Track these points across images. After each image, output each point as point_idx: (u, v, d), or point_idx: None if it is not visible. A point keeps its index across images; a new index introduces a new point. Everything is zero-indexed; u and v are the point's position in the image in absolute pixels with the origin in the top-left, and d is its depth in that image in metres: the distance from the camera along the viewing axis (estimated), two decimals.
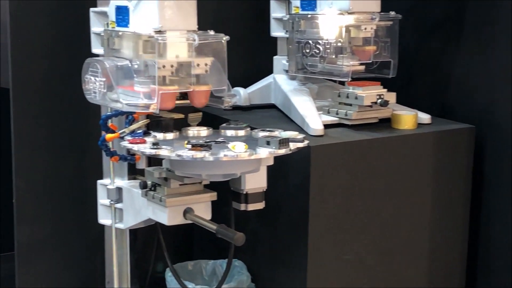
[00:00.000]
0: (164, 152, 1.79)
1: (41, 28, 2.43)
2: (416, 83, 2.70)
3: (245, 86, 2.62)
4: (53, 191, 2.51)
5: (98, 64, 1.95)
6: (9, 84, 2.43)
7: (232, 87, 2.01)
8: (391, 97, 2.33)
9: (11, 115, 2.43)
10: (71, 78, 2.35)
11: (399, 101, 2.41)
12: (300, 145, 1.91)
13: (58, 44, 2.45)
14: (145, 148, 1.83)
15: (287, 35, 2.46)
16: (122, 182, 2.18)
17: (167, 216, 1.93)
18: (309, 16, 2.37)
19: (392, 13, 2.35)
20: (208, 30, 1.95)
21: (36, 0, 2.40)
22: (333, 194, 2.18)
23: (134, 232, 2.26)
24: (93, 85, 1.97)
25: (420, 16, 2.67)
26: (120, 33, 1.99)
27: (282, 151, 1.84)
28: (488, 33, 2.44)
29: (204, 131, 2.01)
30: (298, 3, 2.41)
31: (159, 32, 1.89)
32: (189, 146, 1.79)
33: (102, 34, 2.07)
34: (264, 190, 2.02)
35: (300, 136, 1.95)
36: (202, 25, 1.99)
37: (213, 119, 2.33)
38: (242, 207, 2.01)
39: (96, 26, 2.15)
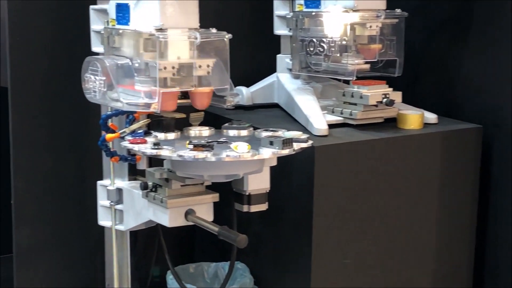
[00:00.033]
0: (165, 152, 1.79)
1: (40, 26, 2.43)
2: (422, 82, 2.70)
3: (247, 85, 2.61)
4: (52, 192, 2.52)
5: (98, 62, 1.95)
6: (7, 83, 2.43)
7: (235, 86, 2.02)
8: (397, 96, 2.32)
9: (9, 114, 2.43)
10: (70, 77, 2.35)
11: (405, 100, 2.40)
12: (304, 145, 1.90)
13: (58, 42, 2.45)
14: (146, 148, 1.82)
15: (290, 33, 2.46)
16: (123, 183, 2.18)
17: (168, 217, 1.93)
18: (313, 13, 2.37)
19: (398, 10, 2.35)
20: (210, 28, 1.95)
21: None
22: (338, 195, 2.18)
23: (134, 234, 2.26)
24: (93, 84, 1.97)
25: (426, 13, 2.67)
26: (120, 31, 1.99)
27: (286, 152, 1.83)
28: (495, 32, 2.44)
29: (206, 131, 2.01)
30: (302, 1, 2.41)
31: (160, 30, 1.89)
32: (191, 146, 1.79)
33: (102, 32, 2.07)
34: (267, 191, 2.02)
35: (304, 136, 1.95)
36: (204, 23, 1.98)
37: (215, 118, 2.33)
38: (245, 208, 2.00)
39: (96, 24, 2.15)
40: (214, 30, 1.95)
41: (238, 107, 2.50)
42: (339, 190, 2.18)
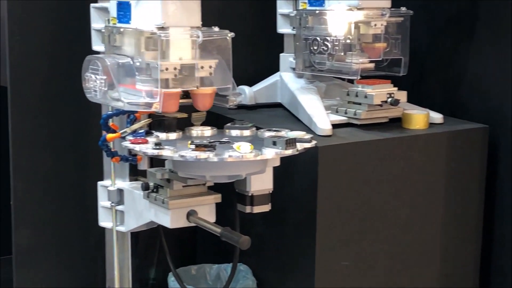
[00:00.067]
0: (166, 152, 1.79)
1: (40, 24, 2.43)
2: (428, 81, 2.70)
3: (250, 84, 2.61)
4: (52, 192, 2.52)
5: (98, 61, 1.95)
6: (7, 82, 2.43)
7: (237, 85, 2.02)
8: (402, 96, 2.32)
9: (9, 114, 2.43)
10: (71, 76, 2.35)
11: (410, 100, 2.41)
12: (308, 145, 1.90)
13: (58, 41, 2.45)
14: (147, 148, 1.82)
15: (294, 32, 2.46)
16: (124, 183, 2.18)
17: (170, 218, 1.93)
18: (317, 12, 2.36)
19: (403, 9, 2.35)
20: (213, 27, 1.95)
21: None
22: (342, 196, 2.18)
23: (135, 235, 2.26)
24: (94, 83, 1.97)
25: (432, 11, 2.67)
26: (121, 29, 1.99)
27: (289, 152, 1.83)
28: (502, 30, 2.43)
29: (208, 131, 2.01)
30: None
31: (161, 28, 1.89)
32: (193, 146, 1.79)
33: (103, 30, 2.07)
34: (270, 192, 2.02)
35: (308, 136, 1.94)
36: (206, 21, 1.98)
37: (217, 118, 2.33)
38: (248, 209, 2.00)
39: (96, 22, 2.16)
40: (216, 29, 1.95)
41: (241, 107, 2.51)
42: (343, 191, 2.17)
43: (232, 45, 1.95)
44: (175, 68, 1.88)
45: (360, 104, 2.31)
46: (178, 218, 1.93)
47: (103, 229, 2.27)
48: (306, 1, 2.41)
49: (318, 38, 2.35)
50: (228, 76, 1.95)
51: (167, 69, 1.87)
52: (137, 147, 1.84)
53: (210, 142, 1.82)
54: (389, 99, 2.28)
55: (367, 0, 2.30)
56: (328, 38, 2.32)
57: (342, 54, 2.30)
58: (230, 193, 2.02)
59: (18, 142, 2.45)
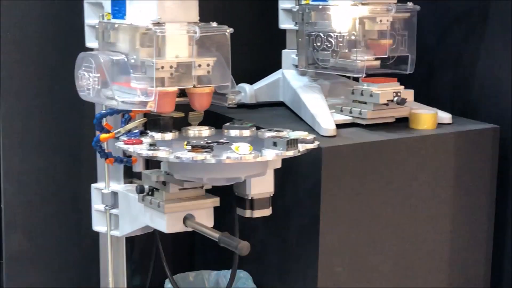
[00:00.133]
0: (162, 153, 1.78)
1: (32, 20, 2.42)
2: (436, 80, 2.70)
3: (251, 82, 2.61)
4: (44, 195, 2.51)
5: (92, 58, 1.94)
6: None
7: (237, 83, 2.03)
8: (409, 94, 2.32)
9: None
10: (63, 74, 2.36)
11: (418, 99, 2.40)
12: (310, 146, 1.90)
13: (50, 37, 2.45)
14: (141, 149, 1.82)
15: (296, 28, 2.46)
16: (118, 186, 2.18)
17: (166, 223, 1.92)
18: (320, 7, 2.36)
19: (410, 4, 2.35)
20: (211, 22, 1.95)
21: None
22: (346, 199, 2.17)
23: (131, 240, 2.26)
24: (87, 81, 1.97)
25: (440, 7, 2.66)
26: (116, 25, 1.99)
27: (290, 153, 1.82)
28: None
29: (205, 131, 2.00)
30: None
31: (157, 24, 1.89)
32: (189, 147, 1.78)
33: (97, 26, 2.06)
34: (271, 195, 2.01)
35: (310, 136, 1.94)
36: (204, 16, 1.97)
37: (215, 118, 2.32)
38: (247, 213, 1.99)
39: (90, 18, 2.16)
40: (214, 24, 1.95)
41: (241, 106, 2.50)
42: (347, 194, 2.17)
43: (232, 41, 1.94)
44: (171, 67, 1.88)
45: (365, 103, 2.30)
46: (175, 223, 1.93)
47: (97, 233, 2.27)
48: None
49: (321, 34, 2.34)
50: (227, 74, 1.94)
51: (162, 67, 1.87)
52: (131, 148, 1.84)
53: (207, 143, 1.82)
54: (396, 98, 2.27)
55: None
56: (332, 34, 2.31)
57: (347, 51, 2.30)
58: (229, 197, 2.00)
59: (8, 142, 2.44)
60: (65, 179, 2.52)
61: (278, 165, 1.96)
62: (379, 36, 2.34)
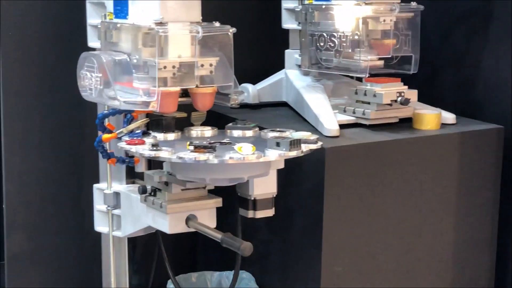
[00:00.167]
0: (164, 154, 1.78)
1: (34, 19, 2.42)
2: (440, 80, 2.69)
3: (254, 82, 2.61)
4: (45, 195, 2.51)
5: (94, 58, 1.95)
6: None
7: (240, 83, 2.02)
8: (413, 95, 2.31)
9: (1, 114, 2.43)
10: (65, 74, 2.35)
11: (421, 99, 2.40)
12: (313, 146, 1.90)
13: (52, 37, 2.45)
14: (143, 149, 1.82)
15: (299, 27, 2.45)
16: (120, 186, 2.18)
17: (168, 223, 1.92)
18: (323, 6, 2.36)
19: (414, 3, 2.34)
20: (213, 22, 1.95)
21: None
22: (350, 199, 2.16)
23: (133, 241, 2.26)
24: (89, 81, 1.97)
25: (444, 6, 2.66)
26: (118, 25, 1.99)
27: (293, 153, 1.82)
28: None
29: (208, 131, 2.00)
30: None
31: (160, 24, 1.89)
32: (192, 147, 1.78)
33: (99, 26, 2.06)
34: (274, 196, 2.01)
35: (314, 137, 1.94)
36: (207, 16, 1.97)
37: (218, 118, 2.32)
38: (250, 214, 2.00)
39: (92, 18, 2.16)
40: (217, 24, 1.95)
41: (244, 106, 2.51)
42: (350, 194, 2.16)
43: (234, 41, 1.94)
44: (173, 66, 1.88)
45: (368, 103, 2.30)
46: (177, 223, 1.93)
47: (99, 234, 2.27)
48: None
49: (324, 34, 2.34)
50: (229, 74, 1.94)
51: (165, 67, 1.87)
52: (133, 148, 1.84)
53: (210, 143, 1.82)
54: (399, 98, 2.27)
55: None
56: (335, 34, 2.31)
57: (350, 51, 2.30)
58: (232, 197, 2.00)
59: (10, 143, 2.44)
60: (67, 179, 2.52)
61: (281, 165, 1.97)
62: (382, 36, 2.33)
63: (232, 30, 1.93)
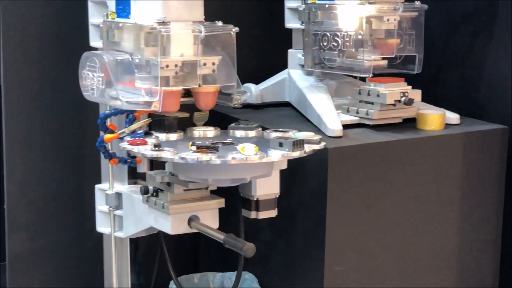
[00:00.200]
0: (166, 154, 1.78)
1: (35, 19, 2.42)
2: (444, 80, 2.69)
3: (256, 82, 2.61)
4: (47, 196, 2.51)
5: (96, 58, 1.95)
6: (0, 80, 2.42)
7: (243, 83, 2.02)
8: (416, 95, 2.31)
9: (2, 113, 2.43)
10: (67, 74, 2.36)
11: (425, 99, 2.39)
12: (317, 147, 1.89)
13: (54, 37, 2.44)
14: (146, 150, 1.82)
15: (302, 27, 2.45)
16: (122, 187, 2.18)
17: (171, 224, 1.92)
18: (326, 6, 2.36)
19: (418, 3, 2.34)
20: (216, 21, 1.95)
21: None
22: (353, 200, 2.16)
23: (135, 242, 2.26)
24: (91, 81, 1.97)
25: (448, 6, 2.66)
26: (120, 24, 1.99)
27: (297, 154, 1.82)
28: None
29: (211, 132, 2.00)
30: None
31: (162, 23, 1.89)
32: (194, 148, 1.78)
33: (101, 25, 2.06)
34: (277, 196, 2.01)
35: (317, 137, 1.94)
36: (210, 16, 1.97)
37: (221, 118, 2.33)
38: (253, 215, 1.99)
39: (94, 17, 2.16)
40: (220, 23, 1.94)
41: (246, 106, 2.50)
42: (354, 195, 2.16)
43: (237, 40, 1.94)
44: (176, 65, 1.87)
45: (372, 103, 2.30)
46: (179, 224, 1.92)
47: (101, 235, 2.27)
48: None
49: (328, 34, 2.34)
50: (232, 73, 1.94)
51: (167, 66, 1.87)
52: (135, 149, 1.84)
53: (212, 144, 1.82)
54: (403, 98, 2.27)
55: None
56: (338, 33, 2.31)
57: (353, 50, 2.29)
58: (234, 198, 2.00)
59: (12, 143, 2.44)
60: (68, 179, 2.52)
61: (284, 166, 1.96)
62: (386, 35, 2.33)
63: (235, 29, 1.93)
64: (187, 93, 1.96)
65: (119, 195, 2.17)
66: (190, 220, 1.92)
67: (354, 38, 2.28)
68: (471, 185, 2.34)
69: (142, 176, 2.12)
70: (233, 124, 2.01)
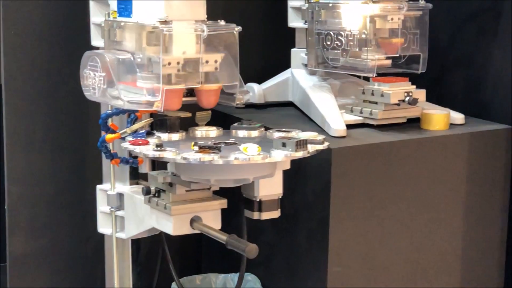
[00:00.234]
0: (168, 154, 1.77)
1: (36, 18, 2.42)
2: (448, 79, 2.69)
3: (259, 81, 2.61)
4: (48, 197, 2.51)
5: (97, 57, 1.94)
6: (1, 79, 2.42)
7: (245, 82, 2.02)
8: (421, 94, 2.31)
9: (3, 113, 2.43)
10: (68, 73, 2.36)
11: (429, 99, 2.40)
12: (320, 147, 1.89)
13: (55, 35, 2.45)
14: (147, 150, 1.81)
15: (306, 26, 2.45)
16: (124, 187, 2.18)
17: (173, 225, 1.91)
18: (330, 5, 2.35)
19: (422, 2, 2.34)
20: (219, 20, 1.94)
21: None
22: (356, 201, 2.16)
23: (136, 243, 2.26)
24: (92, 81, 1.97)
25: (452, 5, 2.65)
26: (122, 23, 1.98)
27: (300, 154, 1.82)
28: None
29: (213, 132, 2.00)
30: None
31: (164, 22, 1.88)
32: (197, 148, 1.78)
33: (103, 25, 2.06)
34: (280, 197, 2.01)
35: (320, 137, 1.93)
36: (212, 15, 1.97)
37: (223, 118, 2.33)
38: (255, 215, 1.99)
39: (96, 16, 2.16)
40: (222, 23, 1.94)
41: (249, 106, 2.51)
42: (357, 195, 2.16)
43: (240, 39, 1.93)
44: (178, 63, 1.87)
45: (376, 103, 2.29)
46: (181, 225, 1.92)
47: (102, 235, 2.27)
48: None
49: (331, 33, 2.34)
50: (235, 73, 1.94)
51: (169, 63, 1.86)
52: (137, 149, 1.83)
53: (215, 144, 1.81)
54: (407, 98, 2.27)
55: None
56: (342, 32, 2.31)
57: (357, 50, 2.29)
58: (237, 199, 2.00)
59: (13, 143, 2.44)
60: (70, 180, 2.52)
61: (287, 166, 1.96)
62: (390, 34, 2.33)
63: (238, 28, 1.93)
64: (189, 92, 1.95)
65: (120, 195, 2.17)
66: (192, 221, 1.92)
67: (358, 38, 2.27)
68: (475, 185, 2.34)
69: (144, 177, 2.12)
70: (235, 124, 2.01)
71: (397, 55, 2.34)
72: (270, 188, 1.98)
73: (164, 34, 1.86)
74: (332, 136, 2.21)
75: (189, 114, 1.99)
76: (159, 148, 1.80)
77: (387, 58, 2.33)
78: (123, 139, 1.94)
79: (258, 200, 1.97)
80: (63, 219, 2.53)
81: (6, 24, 2.38)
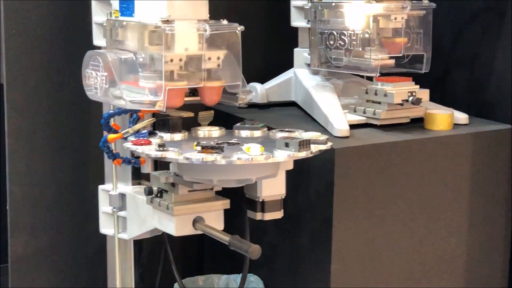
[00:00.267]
0: (171, 154, 1.77)
1: (38, 17, 2.42)
2: (452, 79, 2.68)
3: (262, 81, 2.61)
4: (50, 197, 2.51)
5: (99, 57, 1.94)
6: (2, 79, 2.42)
7: (248, 82, 2.02)
8: (424, 94, 2.31)
9: (5, 113, 2.43)
10: (70, 73, 2.36)
11: (433, 99, 2.40)
12: (323, 147, 1.89)
13: (56, 35, 2.45)
14: (150, 150, 1.81)
15: (309, 25, 2.45)
16: (126, 187, 2.18)
17: (175, 225, 1.91)
18: (333, 4, 2.35)
19: (425, 1, 2.34)
20: (221, 20, 1.94)
21: None
22: (360, 201, 2.16)
23: (139, 243, 2.26)
24: (94, 80, 1.97)
25: (456, 5, 2.65)
26: (124, 23, 1.99)
27: (303, 154, 1.82)
28: None
29: (216, 132, 2.00)
30: None
31: (166, 21, 1.88)
32: (199, 148, 1.78)
33: (105, 24, 2.06)
34: (283, 197, 2.01)
35: (323, 137, 1.93)
36: (215, 14, 1.97)
37: (226, 118, 2.33)
38: (258, 216, 1.99)
39: (98, 16, 2.16)
40: (225, 22, 1.95)
41: (252, 106, 2.51)
42: (361, 196, 2.16)
43: (242, 39, 1.93)
44: (180, 60, 1.87)
45: (379, 103, 2.29)
46: (184, 225, 1.92)
47: (104, 236, 2.27)
48: None
49: (334, 32, 2.34)
50: (237, 72, 1.94)
51: (172, 60, 1.86)
52: (139, 149, 1.83)
53: (217, 144, 1.81)
54: (411, 98, 2.26)
55: None
56: (345, 32, 2.30)
57: (360, 49, 2.29)
58: (240, 199, 2.00)
59: (14, 143, 2.44)
60: (71, 180, 2.52)
61: (290, 166, 1.96)
62: (393, 34, 2.33)
63: (240, 28, 1.93)
64: (192, 92, 1.95)
65: (122, 196, 2.17)
66: (195, 222, 1.92)
67: (361, 37, 2.27)
68: (479, 185, 2.33)
69: (146, 177, 2.12)
70: (238, 124, 2.01)
71: (401, 55, 2.34)
72: (273, 188, 1.97)
73: (166, 34, 1.86)
74: (335, 136, 2.21)
75: (191, 114, 1.99)
76: (161, 148, 1.79)
77: (391, 57, 2.33)
78: (125, 139, 1.94)
79: (261, 200, 1.97)
80: (65, 219, 2.53)
81: (8, 23, 2.38)
